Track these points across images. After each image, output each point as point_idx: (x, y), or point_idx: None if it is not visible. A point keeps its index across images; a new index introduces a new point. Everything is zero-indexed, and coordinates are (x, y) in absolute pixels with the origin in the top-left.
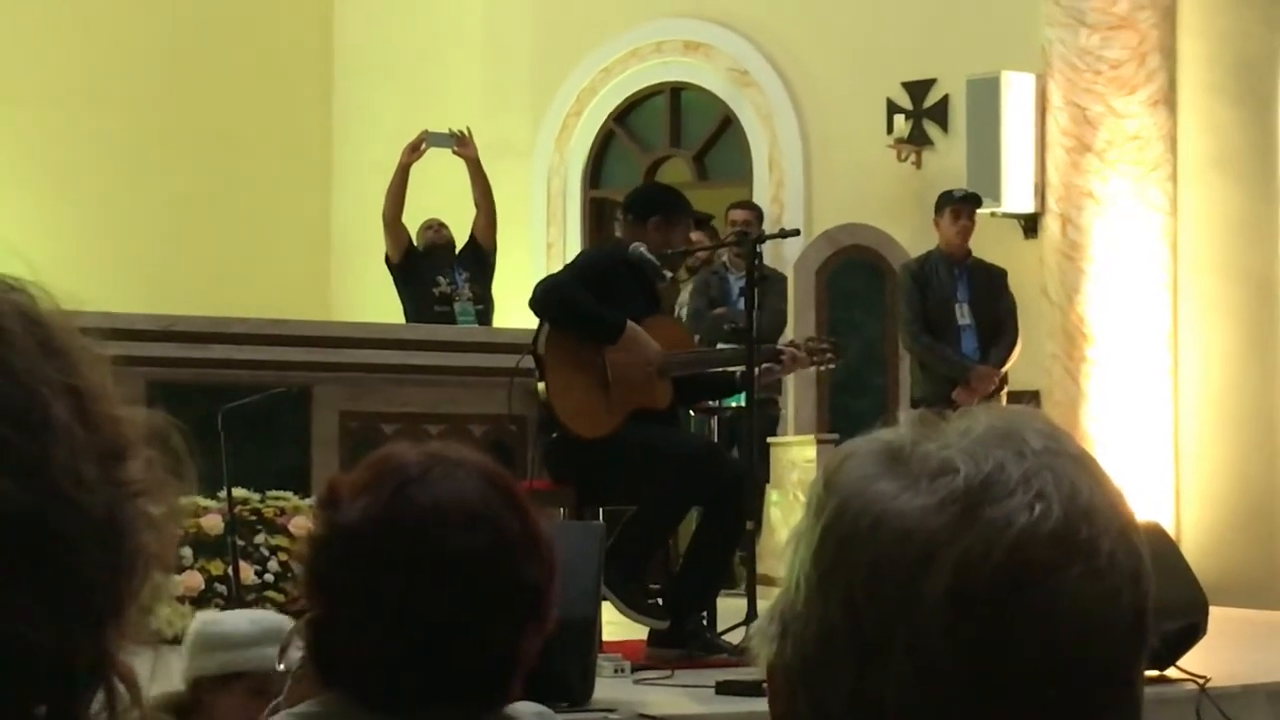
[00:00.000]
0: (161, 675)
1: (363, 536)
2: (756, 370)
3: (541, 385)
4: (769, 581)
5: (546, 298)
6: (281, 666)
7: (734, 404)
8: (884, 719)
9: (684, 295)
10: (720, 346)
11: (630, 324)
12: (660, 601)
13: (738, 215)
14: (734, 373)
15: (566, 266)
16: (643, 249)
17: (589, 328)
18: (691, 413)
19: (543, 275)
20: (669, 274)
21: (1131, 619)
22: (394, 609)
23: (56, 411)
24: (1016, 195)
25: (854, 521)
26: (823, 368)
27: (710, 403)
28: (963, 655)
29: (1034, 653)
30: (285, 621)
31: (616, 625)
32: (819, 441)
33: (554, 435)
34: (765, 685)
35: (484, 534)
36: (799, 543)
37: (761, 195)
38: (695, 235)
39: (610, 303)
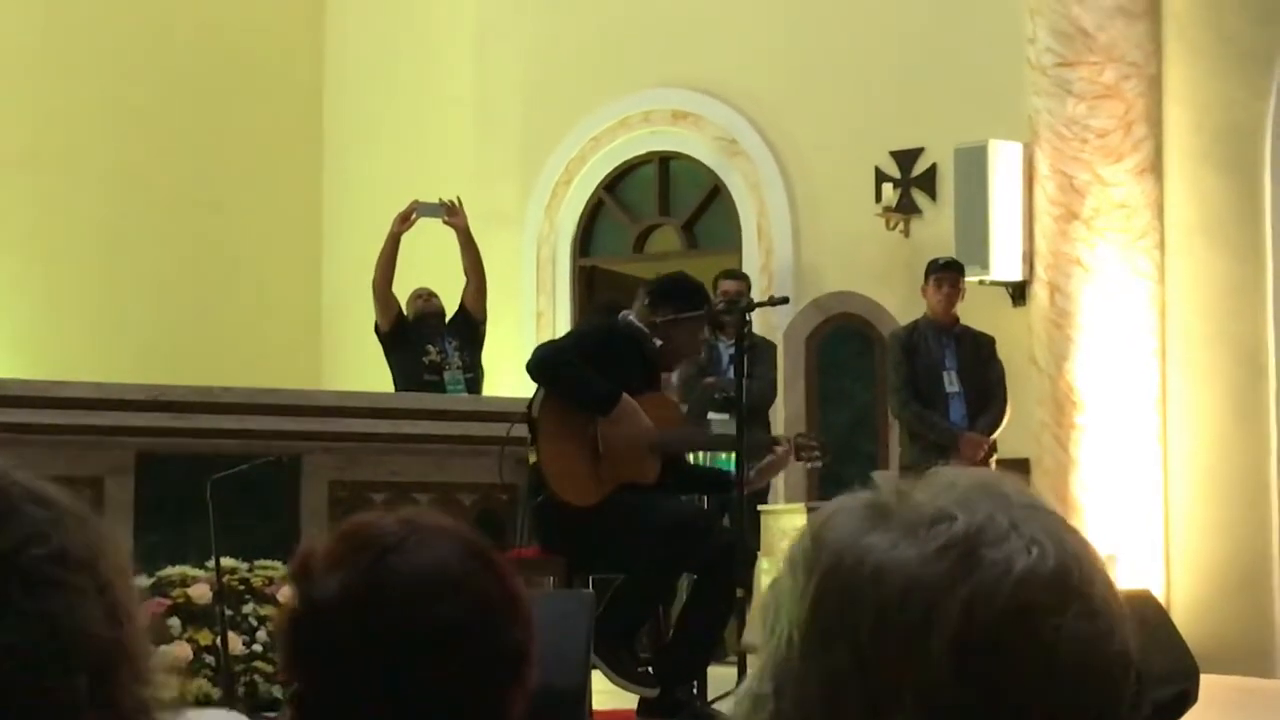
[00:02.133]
0: None
1: (342, 611)
2: (754, 470)
3: (533, 449)
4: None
5: (544, 364)
6: None
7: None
8: None
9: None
10: (712, 417)
11: (625, 398)
12: (650, 670)
13: (729, 286)
14: (729, 475)
15: (568, 334)
16: (630, 316)
17: (583, 397)
18: None
19: (533, 344)
20: (659, 342)
21: (1122, 659)
22: (379, 682)
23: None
24: (1004, 263)
25: (853, 573)
26: (808, 465)
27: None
28: (972, 698)
29: (1040, 694)
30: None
31: (606, 694)
32: (810, 509)
33: (540, 499)
34: None
35: (466, 602)
36: (784, 601)
37: (751, 264)
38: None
39: (608, 375)
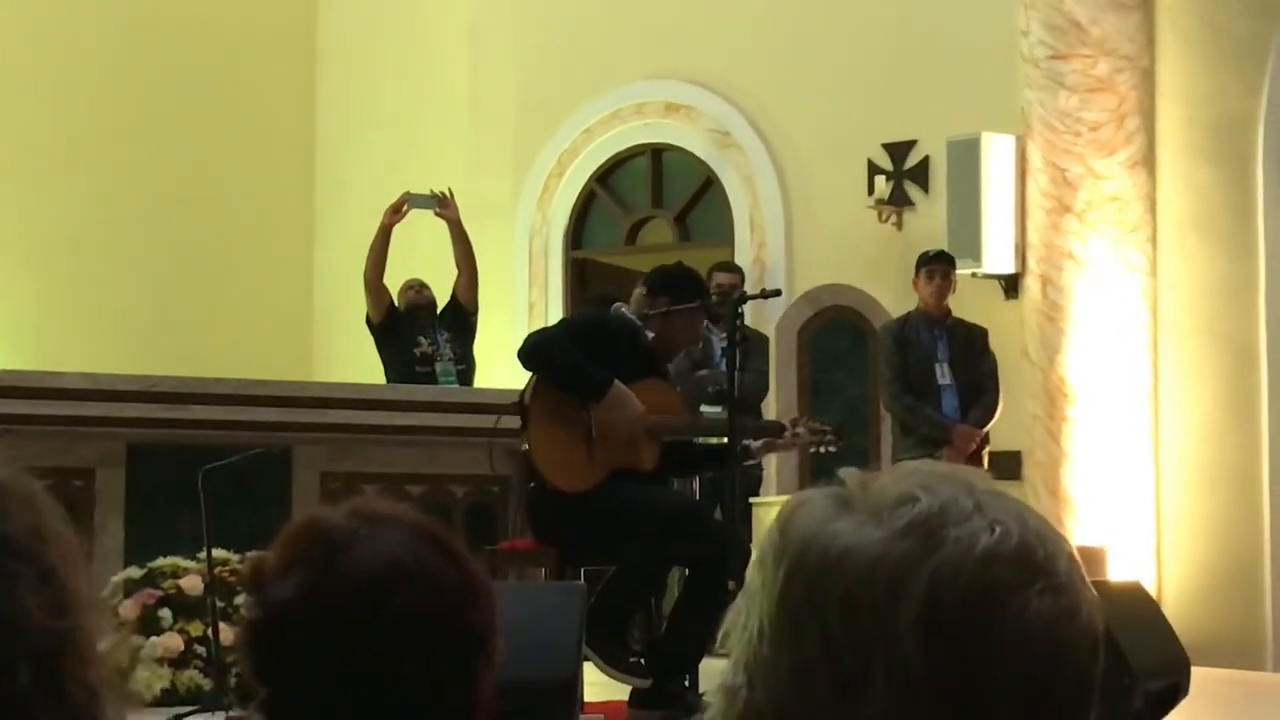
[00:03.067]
0: None
1: (299, 614)
2: (759, 442)
3: (524, 436)
4: None
5: (535, 351)
6: None
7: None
8: None
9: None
10: (705, 410)
11: (618, 384)
12: (642, 661)
13: (722, 278)
14: (728, 448)
15: (560, 321)
16: (624, 309)
17: (574, 383)
18: None
19: (524, 335)
20: (651, 334)
21: (1091, 636)
22: (344, 680)
23: None
24: (997, 256)
25: (820, 558)
26: (823, 450)
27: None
28: (940, 677)
29: (1008, 670)
30: None
31: (598, 686)
32: None
33: (532, 485)
34: None
35: (421, 590)
36: (754, 594)
37: (743, 256)
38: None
39: (601, 362)
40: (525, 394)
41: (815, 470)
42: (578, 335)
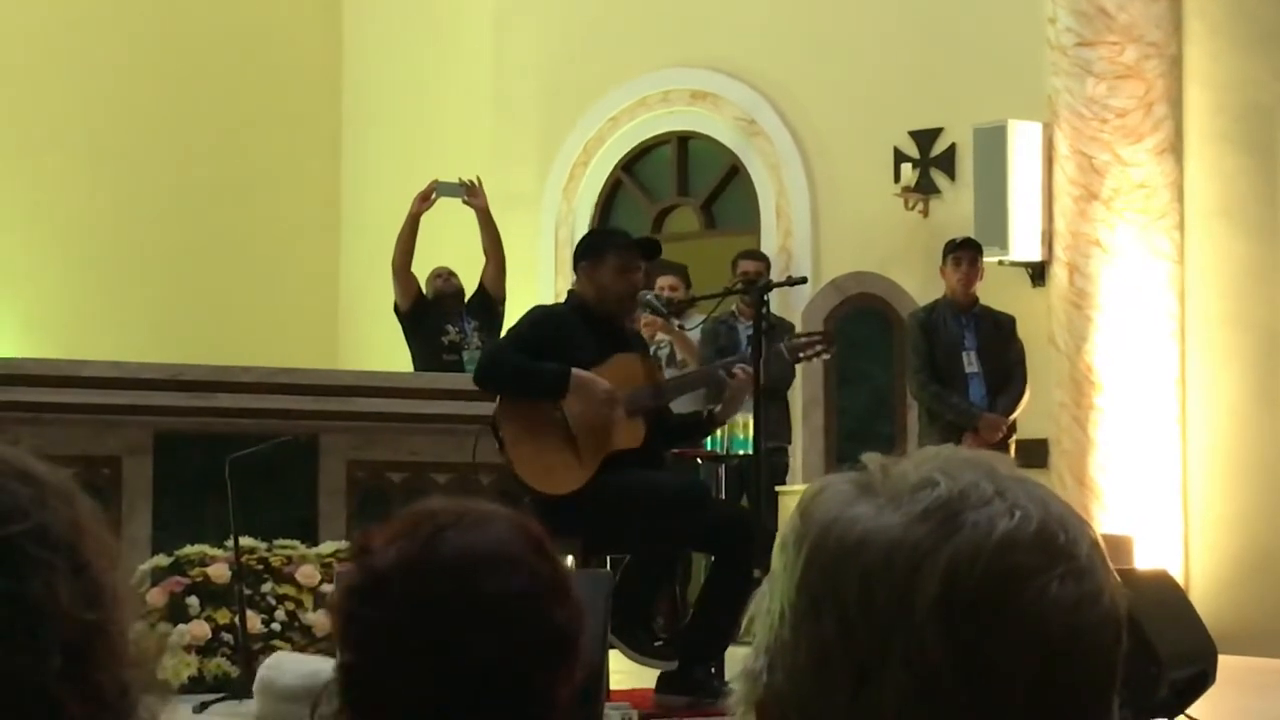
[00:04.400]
0: None
1: (397, 580)
2: (716, 406)
3: (505, 456)
4: None
5: (485, 370)
6: None
7: (741, 452)
8: None
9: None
10: (686, 373)
11: (576, 372)
12: (668, 646)
13: (748, 266)
14: (701, 413)
15: (507, 332)
16: (580, 296)
17: (531, 387)
18: (699, 461)
19: None
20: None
21: (1113, 621)
22: (429, 652)
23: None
24: (1024, 243)
25: (839, 542)
26: (815, 359)
27: (712, 449)
28: (959, 662)
29: (1027, 655)
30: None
31: (623, 674)
32: None
33: (526, 500)
34: None
35: (517, 578)
36: (776, 580)
37: (769, 244)
38: (668, 280)
39: (560, 354)
40: (494, 416)
41: (840, 459)
42: (524, 340)
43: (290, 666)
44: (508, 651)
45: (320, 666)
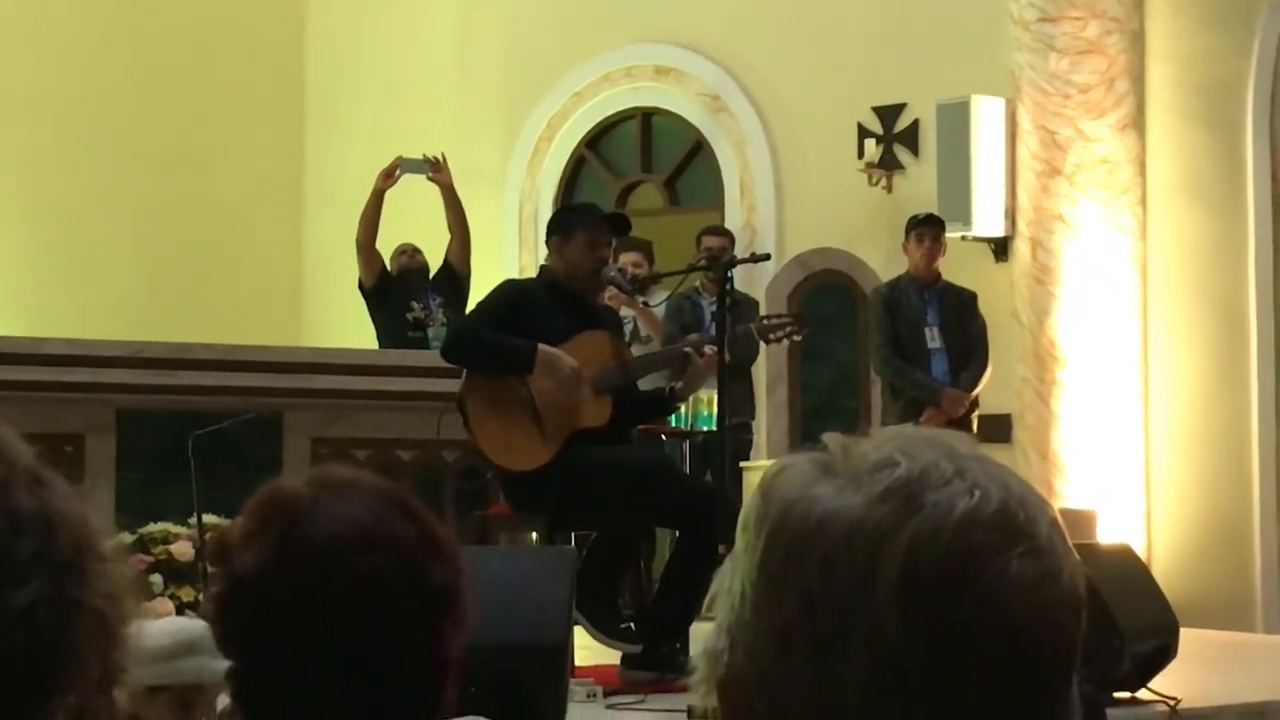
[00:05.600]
0: None
1: (261, 583)
2: (678, 383)
3: (469, 432)
4: None
5: (452, 344)
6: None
7: (705, 428)
8: (844, 713)
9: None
10: (652, 353)
11: (543, 348)
12: (633, 626)
13: (711, 241)
14: (664, 390)
15: (475, 306)
16: (552, 271)
17: (498, 362)
18: (664, 437)
19: None
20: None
21: (1073, 599)
22: (310, 648)
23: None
24: (987, 219)
25: (800, 522)
26: (786, 341)
27: (676, 425)
28: (920, 641)
29: (988, 634)
30: (206, 631)
31: (588, 650)
32: None
33: (489, 476)
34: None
35: (383, 551)
36: (738, 560)
37: (733, 220)
38: (631, 257)
39: (529, 330)
40: (460, 391)
41: (805, 435)
42: (494, 314)
43: (154, 629)
44: (387, 625)
45: (187, 624)
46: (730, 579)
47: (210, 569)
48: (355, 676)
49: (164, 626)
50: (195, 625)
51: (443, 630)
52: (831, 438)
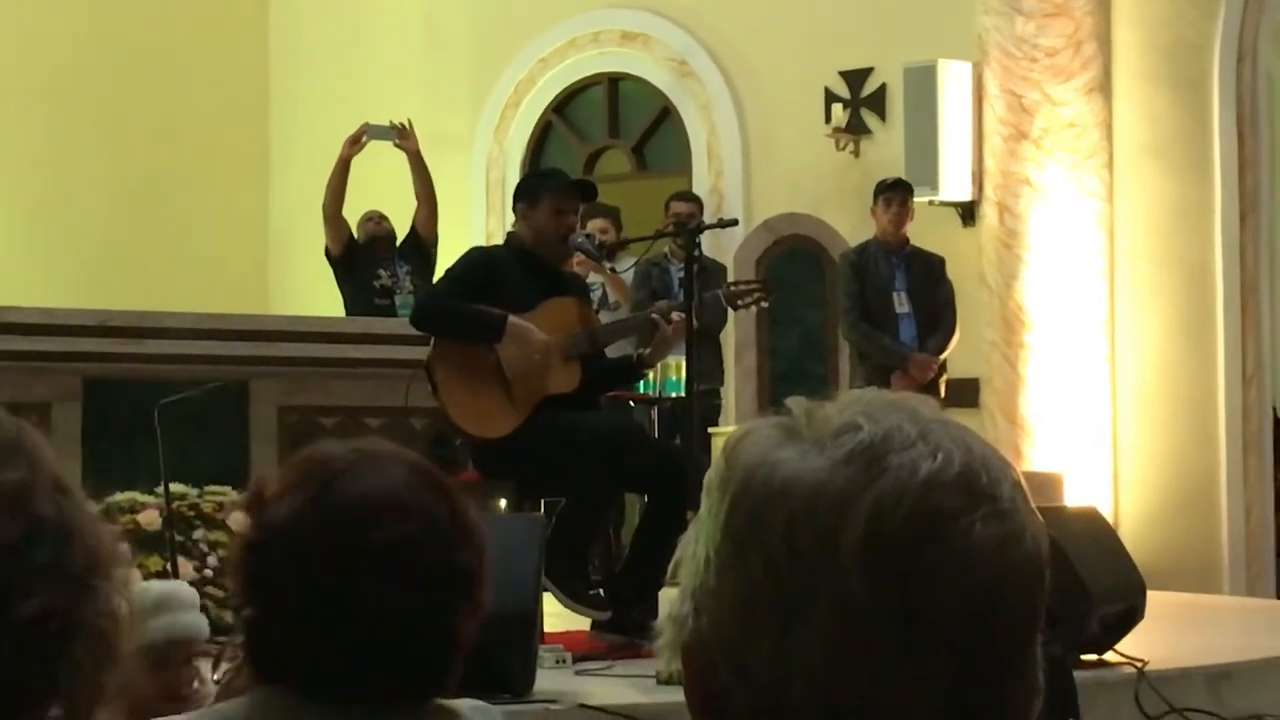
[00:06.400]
0: None
1: (292, 534)
2: (646, 349)
3: (437, 399)
4: None
5: (421, 312)
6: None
7: (673, 394)
8: (810, 677)
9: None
10: (620, 320)
11: (513, 319)
12: (602, 592)
13: (680, 207)
14: (632, 356)
15: (444, 274)
16: (519, 238)
17: (467, 329)
18: (632, 404)
19: None
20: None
21: (1036, 561)
22: (328, 603)
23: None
24: (954, 183)
25: (764, 487)
26: (755, 307)
27: (645, 391)
28: (884, 604)
29: (950, 597)
30: (177, 588)
31: (557, 617)
32: None
33: (458, 443)
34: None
35: (413, 522)
36: (702, 525)
37: (700, 185)
38: (599, 223)
39: (497, 297)
40: (428, 359)
41: (773, 400)
42: (462, 282)
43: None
44: (407, 597)
45: (158, 584)
46: (694, 544)
47: (243, 516)
48: (368, 641)
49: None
50: (158, 584)
51: (458, 611)
52: (795, 401)
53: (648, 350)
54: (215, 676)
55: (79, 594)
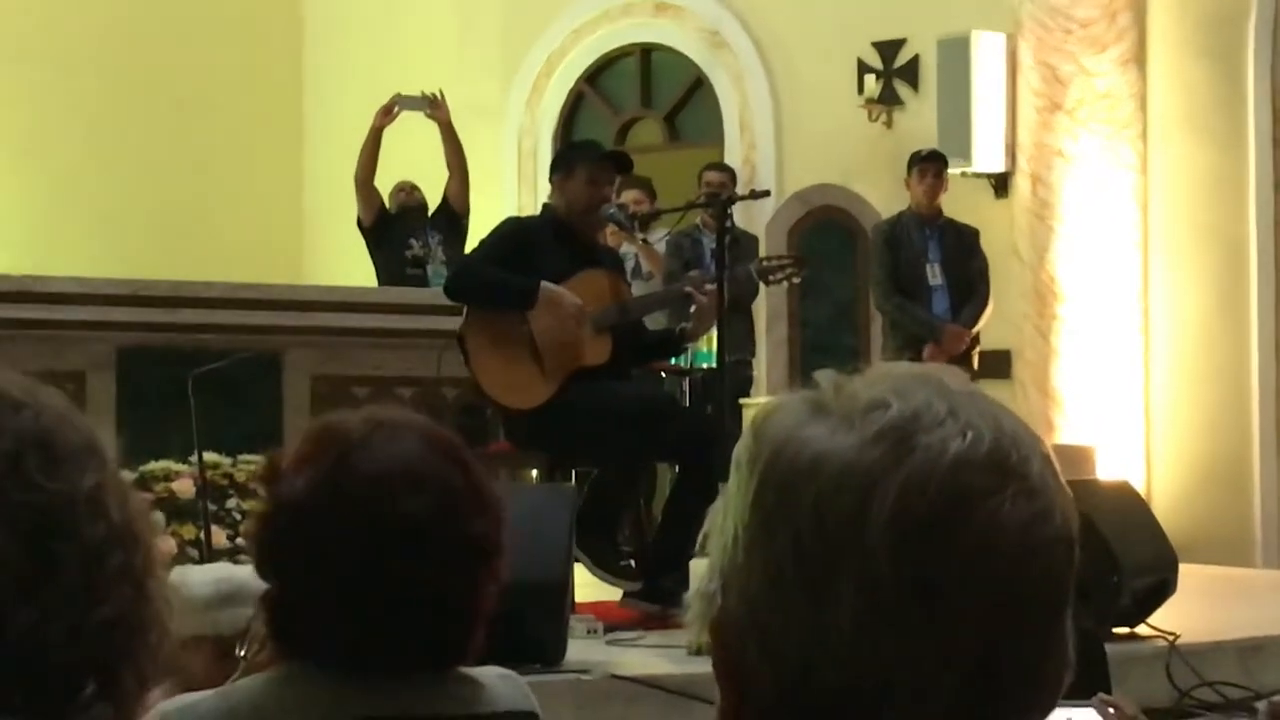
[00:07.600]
0: None
1: (309, 508)
2: (688, 323)
3: (470, 368)
4: None
5: (455, 280)
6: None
7: (705, 365)
8: (836, 656)
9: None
10: (652, 292)
11: (546, 285)
12: (633, 563)
13: (712, 177)
14: (674, 330)
15: (479, 243)
16: (554, 209)
17: (500, 298)
18: (663, 375)
19: None
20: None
21: (1065, 539)
22: (348, 577)
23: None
24: (987, 155)
25: (791, 464)
26: (789, 282)
27: (676, 362)
28: (910, 583)
29: (979, 577)
30: (249, 580)
31: (589, 587)
32: None
33: (489, 413)
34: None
35: (430, 493)
36: (730, 501)
37: (733, 156)
38: (632, 194)
39: (530, 268)
40: (460, 329)
41: (804, 371)
42: (497, 251)
43: (197, 577)
44: (426, 568)
45: (230, 572)
46: (722, 519)
47: (258, 490)
48: (388, 614)
49: (205, 575)
50: (238, 574)
51: (477, 580)
52: (824, 375)
53: (690, 325)
54: (241, 653)
55: (142, 597)
